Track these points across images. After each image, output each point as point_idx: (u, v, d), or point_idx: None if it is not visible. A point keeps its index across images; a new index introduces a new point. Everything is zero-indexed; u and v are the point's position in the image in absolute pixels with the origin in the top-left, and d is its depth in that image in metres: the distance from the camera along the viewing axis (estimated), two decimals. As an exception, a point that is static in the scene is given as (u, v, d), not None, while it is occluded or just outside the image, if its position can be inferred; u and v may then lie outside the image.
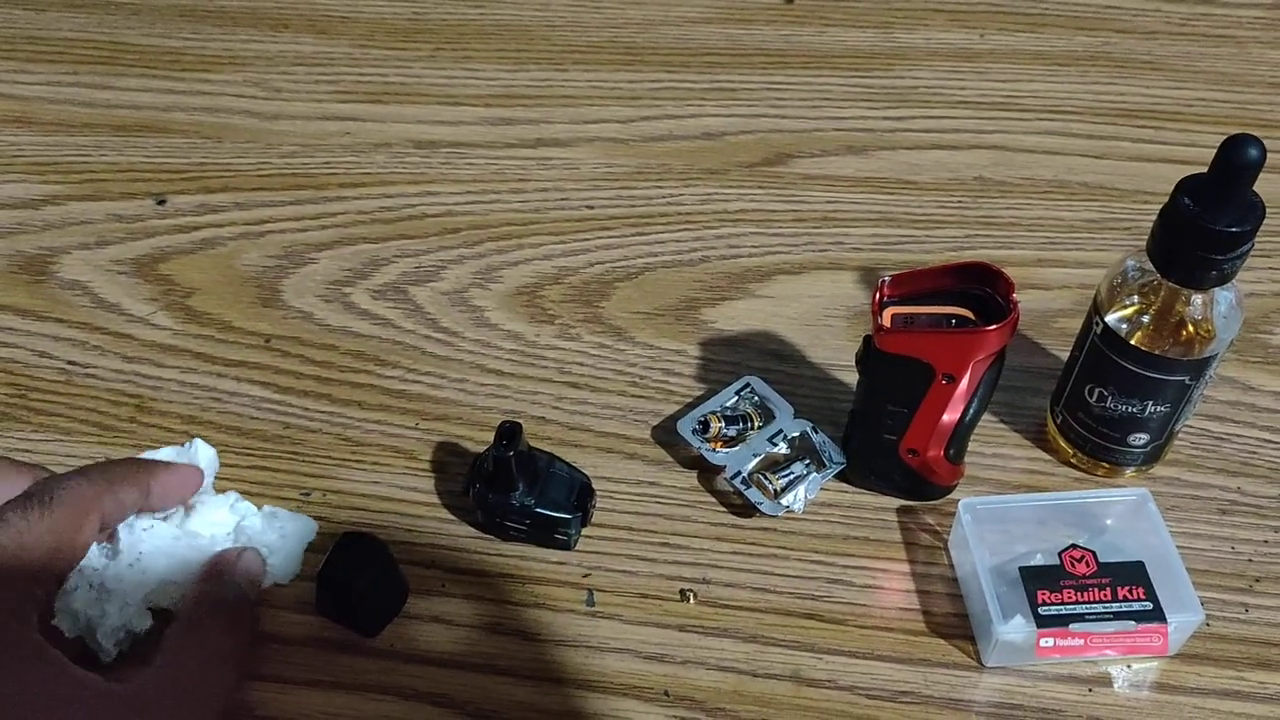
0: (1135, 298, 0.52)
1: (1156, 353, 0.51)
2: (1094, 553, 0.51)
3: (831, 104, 0.78)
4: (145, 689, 0.41)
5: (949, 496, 0.57)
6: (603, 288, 0.67)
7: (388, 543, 0.52)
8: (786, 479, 0.56)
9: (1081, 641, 0.49)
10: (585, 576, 0.53)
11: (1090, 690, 0.50)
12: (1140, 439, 0.55)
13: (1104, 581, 0.50)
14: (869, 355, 0.52)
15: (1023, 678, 0.50)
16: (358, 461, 0.58)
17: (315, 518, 0.55)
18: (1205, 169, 0.47)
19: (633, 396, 0.61)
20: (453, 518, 0.56)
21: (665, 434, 0.59)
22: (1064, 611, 0.50)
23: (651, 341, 0.64)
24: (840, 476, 0.57)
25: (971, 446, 0.56)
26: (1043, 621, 0.49)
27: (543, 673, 0.51)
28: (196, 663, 0.44)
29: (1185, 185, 0.48)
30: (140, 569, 0.47)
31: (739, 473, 0.55)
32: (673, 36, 0.83)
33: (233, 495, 0.52)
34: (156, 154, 0.74)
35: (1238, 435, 0.59)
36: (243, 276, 0.67)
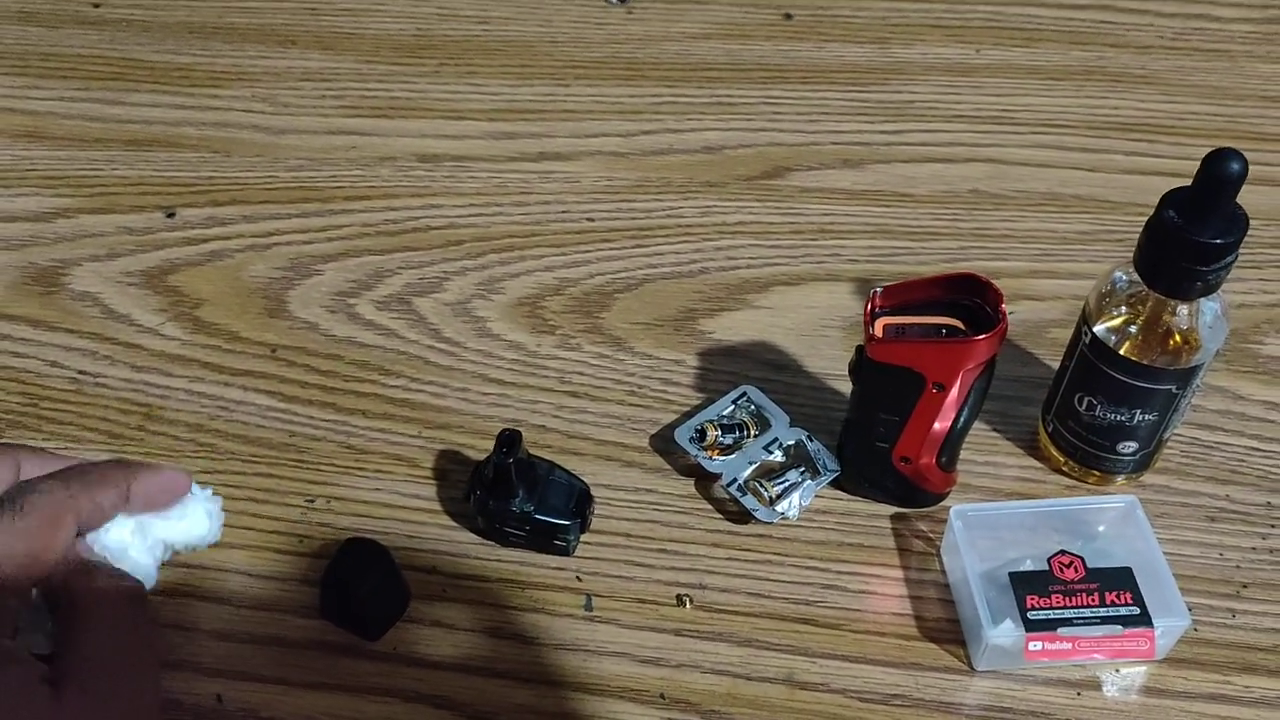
0: (1123, 308, 0.53)
1: (1144, 362, 0.52)
2: (1083, 559, 0.52)
3: (829, 118, 0.79)
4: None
5: (942, 504, 0.58)
6: (603, 298, 0.68)
7: (390, 548, 0.53)
8: (782, 486, 0.57)
9: (1069, 645, 0.50)
10: (579, 580, 0.55)
11: (1079, 694, 0.51)
12: (1129, 447, 0.56)
13: (1092, 587, 0.51)
14: (861, 364, 0.53)
15: (1012, 681, 0.51)
16: (361, 469, 0.59)
17: (319, 525, 0.56)
18: (1196, 182, 0.48)
19: (631, 405, 0.62)
20: (454, 524, 0.57)
21: (663, 442, 0.60)
22: (1052, 616, 0.50)
23: (650, 351, 0.65)
24: (835, 484, 0.58)
25: (964, 454, 0.57)
26: (1031, 626, 0.50)
27: (541, 676, 0.52)
28: (101, 644, 0.41)
29: (1170, 198, 0.49)
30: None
31: (735, 480, 0.56)
32: (673, 52, 0.84)
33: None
34: (166, 168, 0.76)
35: (1227, 444, 0.60)
36: (249, 288, 0.68)
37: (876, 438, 0.55)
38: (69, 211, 0.73)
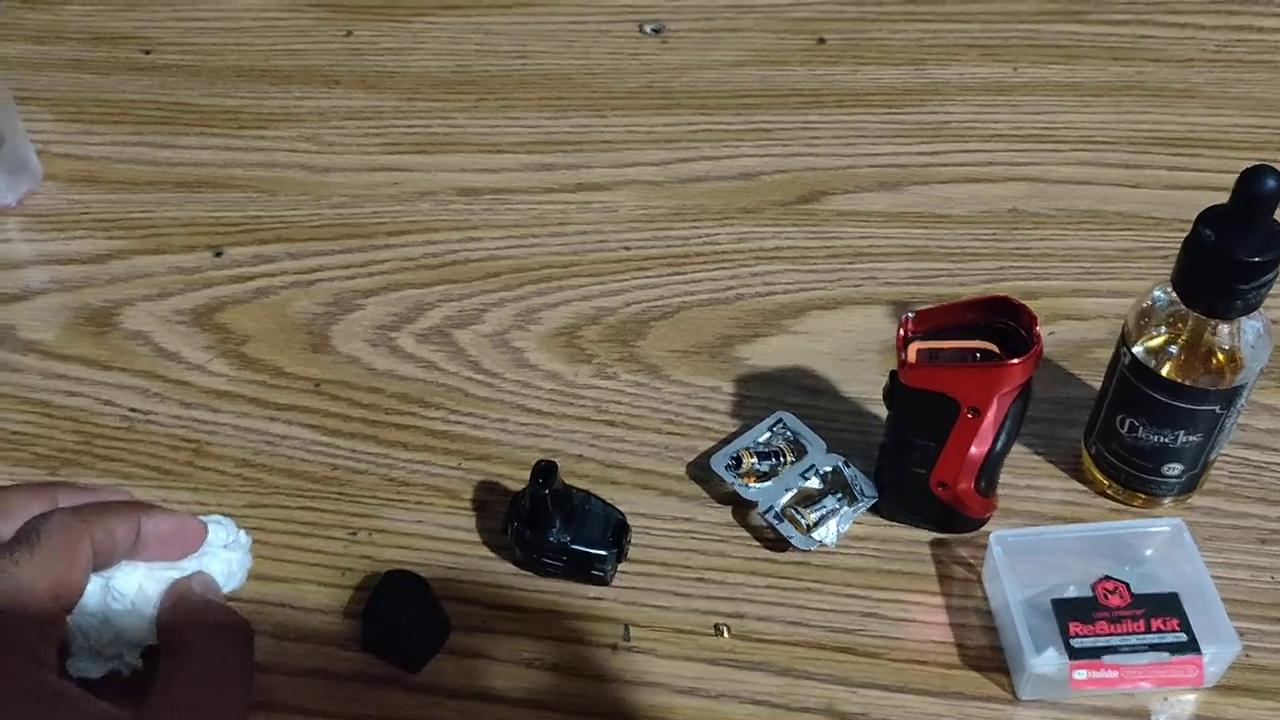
0: (1163, 328, 0.53)
1: (1186, 383, 0.51)
2: (1127, 584, 0.51)
3: (865, 141, 0.79)
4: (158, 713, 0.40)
5: (983, 529, 0.57)
6: (639, 327, 0.68)
7: (430, 580, 0.54)
8: (819, 513, 0.56)
9: (1115, 674, 0.49)
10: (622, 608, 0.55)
11: (1127, 723, 0.50)
12: (1175, 469, 0.55)
13: (1138, 613, 0.50)
14: (895, 390, 0.53)
15: (1059, 711, 0.50)
16: (402, 501, 0.60)
17: (361, 557, 0.57)
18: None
19: (668, 433, 0.62)
20: (493, 555, 0.57)
21: (700, 470, 0.60)
22: (1097, 644, 0.50)
23: (687, 379, 0.65)
24: (873, 510, 0.57)
25: (1006, 478, 0.57)
26: (1075, 654, 0.49)
27: (580, 707, 0.52)
28: (198, 685, 0.42)
29: (1206, 216, 0.49)
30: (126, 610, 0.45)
31: (772, 507, 0.56)
32: (708, 80, 0.85)
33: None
34: (215, 208, 0.77)
35: (1278, 464, 0.59)
36: (294, 323, 0.70)
37: (913, 463, 0.54)
38: (123, 253, 0.75)
